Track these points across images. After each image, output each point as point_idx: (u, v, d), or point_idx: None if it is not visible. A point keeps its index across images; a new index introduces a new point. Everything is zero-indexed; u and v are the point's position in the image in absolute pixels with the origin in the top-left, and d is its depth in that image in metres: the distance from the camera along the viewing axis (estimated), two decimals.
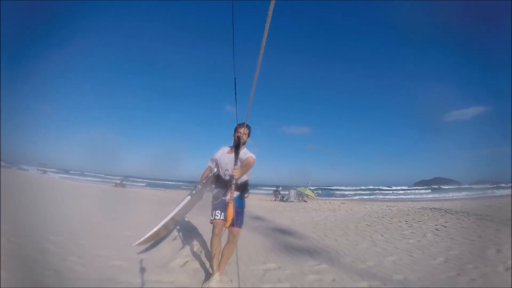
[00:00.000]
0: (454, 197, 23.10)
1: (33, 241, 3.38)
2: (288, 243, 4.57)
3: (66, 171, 43.31)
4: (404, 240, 4.75)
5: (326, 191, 34.79)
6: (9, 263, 2.51)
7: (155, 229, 3.08)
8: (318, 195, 21.56)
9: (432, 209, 9.39)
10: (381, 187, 41.83)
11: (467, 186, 40.14)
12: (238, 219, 2.72)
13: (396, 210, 9.61)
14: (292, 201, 15.19)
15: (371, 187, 42.35)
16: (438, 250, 4.05)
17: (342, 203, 14.03)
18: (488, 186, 36.66)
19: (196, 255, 3.65)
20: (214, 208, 2.75)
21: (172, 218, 3.16)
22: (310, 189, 17.87)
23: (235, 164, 2.56)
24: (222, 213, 2.67)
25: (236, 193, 2.69)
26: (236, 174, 2.41)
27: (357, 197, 29.07)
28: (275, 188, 17.68)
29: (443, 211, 8.70)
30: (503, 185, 33.60)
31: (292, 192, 16.32)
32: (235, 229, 2.74)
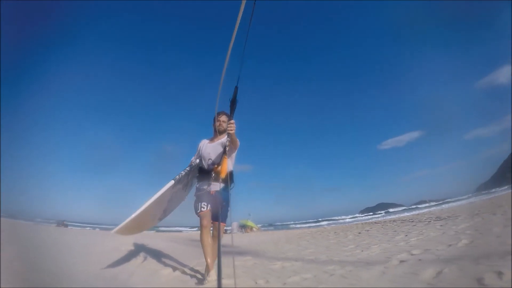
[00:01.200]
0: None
1: None
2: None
3: None
4: (326, 241, 5.27)
5: (274, 226, 34.80)
6: None
7: (133, 215, 2.63)
8: (264, 228, 21.69)
9: (364, 223, 10.38)
10: (327, 218, 43.40)
11: (411, 207, 43.46)
12: (222, 213, 2.56)
13: (330, 228, 10.36)
14: (236, 233, 15.09)
15: (319, 219, 43.77)
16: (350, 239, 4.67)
17: (286, 231, 14.44)
18: (428, 205, 40.37)
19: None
20: (199, 200, 2.64)
21: (152, 207, 2.73)
22: (252, 221, 18.00)
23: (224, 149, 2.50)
24: (208, 205, 2.60)
25: (221, 185, 2.47)
26: (232, 126, 2.32)
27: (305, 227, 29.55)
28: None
29: (374, 223, 9.65)
30: (433, 203, 37.56)
31: (235, 224, 16.20)
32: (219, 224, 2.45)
